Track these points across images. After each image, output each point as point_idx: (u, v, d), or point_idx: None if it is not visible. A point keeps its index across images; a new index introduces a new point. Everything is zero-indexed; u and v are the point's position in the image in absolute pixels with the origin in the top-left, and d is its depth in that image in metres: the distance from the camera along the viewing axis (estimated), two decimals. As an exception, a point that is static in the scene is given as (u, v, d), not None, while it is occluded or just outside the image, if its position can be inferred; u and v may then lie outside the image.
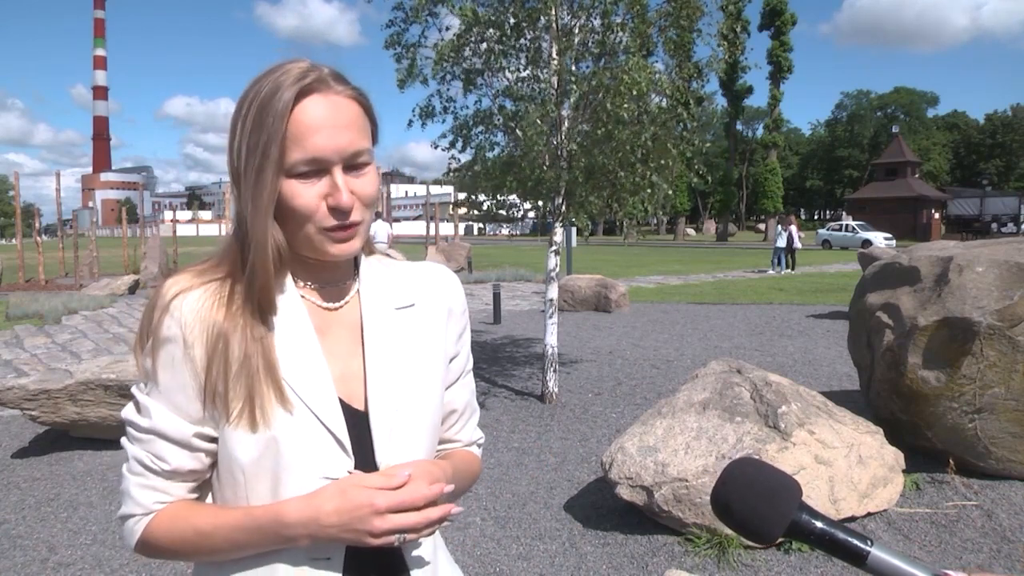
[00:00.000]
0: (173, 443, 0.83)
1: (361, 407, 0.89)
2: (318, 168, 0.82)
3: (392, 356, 0.92)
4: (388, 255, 1.03)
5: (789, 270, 20.41)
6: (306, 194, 0.82)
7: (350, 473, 0.84)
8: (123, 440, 0.87)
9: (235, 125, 0.83)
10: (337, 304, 0.92)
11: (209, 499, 0.90)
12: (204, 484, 0.90)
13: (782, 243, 20.69)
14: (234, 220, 0.88)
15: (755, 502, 0.67)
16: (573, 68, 5.36)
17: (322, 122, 0.81)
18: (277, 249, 0.84)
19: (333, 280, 0.92)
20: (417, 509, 0.81)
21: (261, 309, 0.84)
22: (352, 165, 0.84)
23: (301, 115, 0.81)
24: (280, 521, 0.80)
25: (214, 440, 0.85)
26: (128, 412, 0.86)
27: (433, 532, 0.86)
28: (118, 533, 3.49)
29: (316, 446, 0.83)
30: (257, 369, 0.82)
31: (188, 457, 0.84)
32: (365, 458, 0.88)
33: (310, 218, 0.83)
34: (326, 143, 0.81)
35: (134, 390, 0.87)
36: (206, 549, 0.84)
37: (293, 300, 0.88)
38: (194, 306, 0.83)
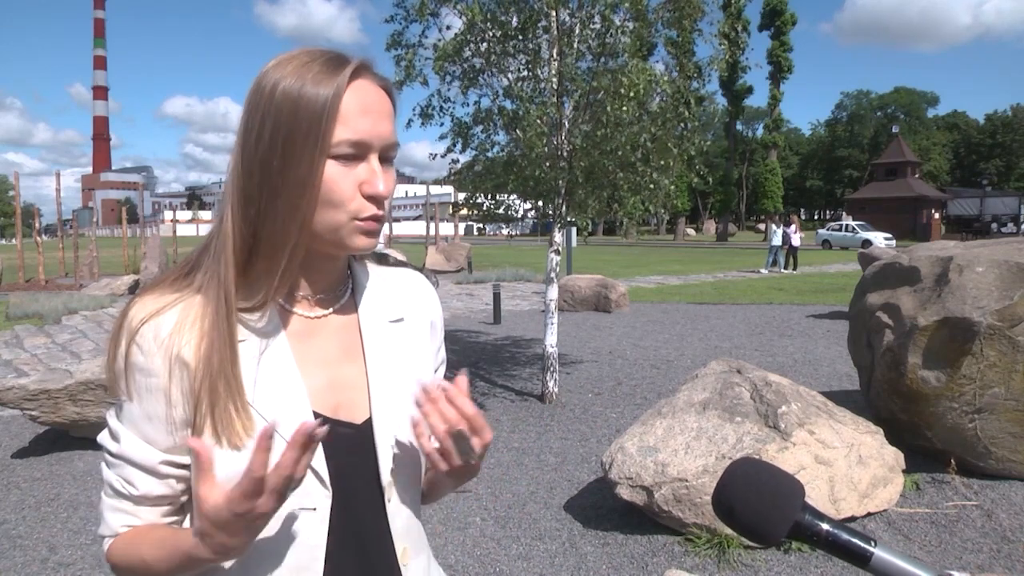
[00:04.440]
0: (140, 469, 0.81)
1: (355, 419, 0.87)
2: (357, 153, 0.79)
3: (391, 368, 0.91)
4: (387, 254, 1.03)
5: (790, 270, 20.38)
6: (345, 178, 0.78)
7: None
8: (102, 462, 0.86)
9: (265, 107, 0.77)
10: (325, 311, 0.88)
11: (187, 523, 0.87)
12: (184, 507, 0.87)
13: (777, 241, 20.71)
14: (229, 219, 0.80)
15: (758, 503, 0.66)
16: (574, 72, 5.35)
17: (369, 107, 0.79)
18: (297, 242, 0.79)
19: (324, 287, 0.88)
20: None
21: (233, 331, 0.79)
22: (383, 159, 0.81)
23: (350, 97, 0.78)
24: (196, 558, 0.75)
25: (185, 467, 0.82)
26: (102, 435, 0.85)
27: (304, 458, 0.70)
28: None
29: None
30: (228, 403, 0.78)
31: (156, 483, 0.82)
32: (368, 471, 0.86)
33: (344, 205, 0.79)
34: (371, 128, 0.79)
35: (107, 414, 0.85)
36: None
37: (271, 315, 0.83)
38: (162, 334, 0.78)
